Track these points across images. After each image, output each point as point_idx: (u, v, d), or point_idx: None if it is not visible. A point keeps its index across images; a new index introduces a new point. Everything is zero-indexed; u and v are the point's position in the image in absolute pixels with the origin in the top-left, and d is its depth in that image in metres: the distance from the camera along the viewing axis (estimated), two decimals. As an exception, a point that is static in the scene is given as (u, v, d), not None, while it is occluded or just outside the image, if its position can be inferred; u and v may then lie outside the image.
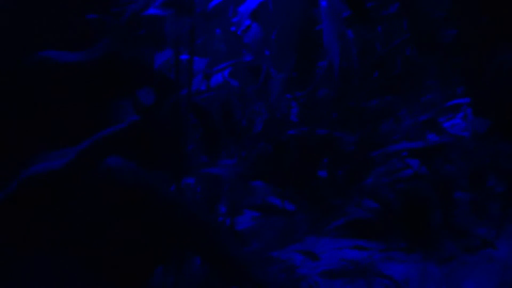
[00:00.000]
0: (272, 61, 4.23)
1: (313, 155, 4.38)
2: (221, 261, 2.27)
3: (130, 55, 2.44)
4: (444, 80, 4.83)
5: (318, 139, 4.50)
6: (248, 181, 3.45)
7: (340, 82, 4.64)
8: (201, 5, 3.22)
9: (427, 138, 4.60)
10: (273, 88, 4.33)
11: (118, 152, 1.97)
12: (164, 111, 2.66)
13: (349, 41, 4.57)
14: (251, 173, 3.63)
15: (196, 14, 2.09)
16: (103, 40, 2.41)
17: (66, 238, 2.20)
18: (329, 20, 4.60)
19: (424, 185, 4.22)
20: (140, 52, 2.43)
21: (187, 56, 2.92)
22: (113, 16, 2.32)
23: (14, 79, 2.44)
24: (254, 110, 4.02)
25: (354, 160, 4.48)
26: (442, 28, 5.34)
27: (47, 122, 2.56)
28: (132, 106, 3.84)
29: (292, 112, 4.67)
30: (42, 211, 1.95)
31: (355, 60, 4.46)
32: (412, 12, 5.28)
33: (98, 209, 2.08)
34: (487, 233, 3.73)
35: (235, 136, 3.42)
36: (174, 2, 2.09)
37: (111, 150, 1.90)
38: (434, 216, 4.05)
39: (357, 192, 4.20)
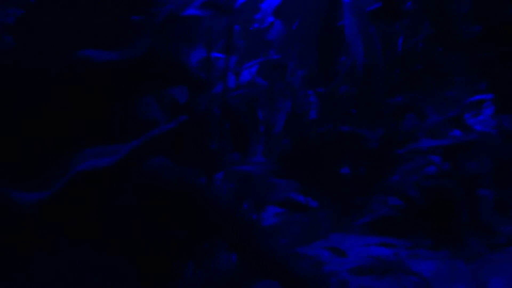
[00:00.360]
0: (294, 57, 4.30)
1: (336, 152, 4.45)
2: (257, 256, 2.35)
3: (166, 54, 2.52)
4: (468, 76, 4.86)
5: (340, 135, 4.57)
6: (275, 178, 3.54)
7: (363, 78, 4.69)
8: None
9: (451, 134, 4.64)
10: (295, 85, 4.40)
11: (162, 151, 2.06)
12: (198, 109, 2.74)
13: (372, 37, 4.62)
14: (280, 170, 3.71)
15: (233, 14, 2.17)
16: (141, 40, 2.49)
17: (107, 234, 2.30)
18: (352, 15, 4.65)
19: (449, 182, 4.28)
20: (176, 51, 2.51)
21: (217, 55, 2.99)
22: (151, 16, 2.40)
23: (55, 78, 2.53)
24: (277, 107, 4.10)
25: (378, 157, 4.54)
26: (466, 23, 5.36)
27: (86, 120, 2.66)
28: (157, 104, 3.93)
29: (313, 108, 4.72)
30: (89, 208, 2.04)
31: (379, 56, 4.52)
32: (436, 8, 5.31)
33: (138, 206, 2.17)
34: (513, 230, 3.79)
35: (261, 133, 3.50)
36: (213, 2, 2.16)
37: (160, 149, 1.99)
38: (460, 213, 4.11)
39: (382, 189, 4.27)
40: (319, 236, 4.10)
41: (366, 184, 4.29)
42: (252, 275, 3.50)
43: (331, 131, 4.64)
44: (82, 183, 1.91)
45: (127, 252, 2.38)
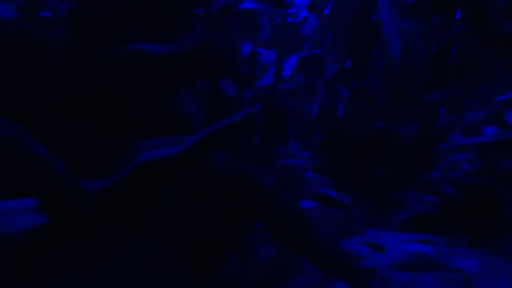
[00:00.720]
0: (327, 51, 4.34)
1: (370, 148, 4.49)
2: (306, 246, 2.42)
3: (217, 48, 2.59)
4: (507, 73, 4.85)
5: (375, 132, 4.60)
6: (309, 172, 3.60)
7: (399, 74, 4.72)
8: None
9: (488, 132, 4.65)
10: (330, 80, 4.44)
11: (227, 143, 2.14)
12: (243, 103, 2.81)
13: (410, 31, 4.64)
14: (314, 165, 3.77)
15: (287, 7, 2.22)
16: (193, 33, 2.57)
17: (162, 223, 2.39)
18: (389, 9, 4.66)
19: (486, 180, 4.29)
20: (227, 45, 2.58)
21: (260, 49, 3.06)
22: (204, 9, 2.47)
23: (108, 71, 2.63)
24: (314, 102, 4.15)
25: (412, 154, 4.57)
26: (501, 18, 5.34)
27: (137, 112, 2.75)
28: (192, 97, 4.01)
29: (346, 104, 4.77)
30: (148, 198, 2.13)
31: (417, 51, 4.53)
32: (471, 2, 5.29)
33: (195, 197, 2.25)
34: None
35: (301, 128, 3.56)
36: (269, -4, 2.22)
37: (225, 141, 2.06)
38: (497, 211, 4.13)
39: (417, 187, 4.30)
40: (355, 232, 4.15)
41: (401, 181, 4.33)
42: (290, 269, 3.57)
43: (365, 127, 4.68)
44: (144, 173, 2.00)
45: (179, 242, 2.47)
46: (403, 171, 4.58)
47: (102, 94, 2.63)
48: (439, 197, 4.28)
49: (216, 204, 2.38)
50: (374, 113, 5.00)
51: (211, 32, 2.46)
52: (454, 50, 5.20)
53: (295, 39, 4.82)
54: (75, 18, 2.77)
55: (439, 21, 5.34)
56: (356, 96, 4.93)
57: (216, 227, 2.56)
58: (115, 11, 2.65)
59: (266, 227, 2.44)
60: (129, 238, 2.33)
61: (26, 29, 2.71)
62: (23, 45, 2.68)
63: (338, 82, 4.60)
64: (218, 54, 2.51)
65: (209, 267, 2.79)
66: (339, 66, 4.69)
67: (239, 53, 2.57)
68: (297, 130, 3.62)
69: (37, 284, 2.18)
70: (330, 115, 4.41)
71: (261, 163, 2.65)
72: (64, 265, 2.23)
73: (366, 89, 4.96)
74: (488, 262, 3.50)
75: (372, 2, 5.15)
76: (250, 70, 2.77)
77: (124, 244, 2.31)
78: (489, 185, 4.20)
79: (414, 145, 4.61)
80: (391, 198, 4.20)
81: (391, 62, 4.96)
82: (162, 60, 2.54)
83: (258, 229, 3.49)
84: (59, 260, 2.16)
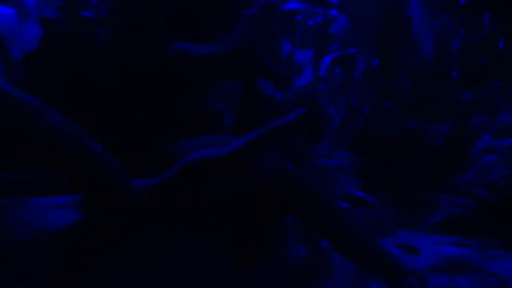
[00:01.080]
0: (361, 50, 4.36)
1: (400, 149, 4.50)
2: (356, 247, 2.46)
3: (258, 48, 2.64)
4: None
5: (405, 132, 4.61)
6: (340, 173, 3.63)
7: (431, 73, 4.72)
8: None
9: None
10: (359, 78, 4.46)
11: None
12: (283, 103, 2.85)
13: (441, 30, 4.64)
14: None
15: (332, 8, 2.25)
16: (234, 33, 2.61)
17: (207, 220, 2.45)
18: (422, 8, 4.67)
19: (521, 182, 4.27)
20: (268, 45, 2.62)
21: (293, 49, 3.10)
22: (246, 10, 2.51)
23: (152, 70, 2.69)
24: (344, 101, 4.18)
25: (444, 155, 4.57)
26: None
27: (182, 110, 2.81)
28: (221, 96, 4.06)
29: (375, 103, 4.77)
30: (198, 196, 2.19)
31: (449, 50, 4.53)
32: (502, 2, 5.26)
33: (241, 196, 2.30)
34: None
35: (333, 127, 3.59)
36: (315, -4, 2.25)
37: (277, 142, 2.11)
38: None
39: (450, 188, 4.31)
40: (386, 233, 4.17)
41: (433, 183, 4.34)
42: (322, 270, 3.61)
43: (395, 127, 4.69)
44: (193, 171, 2.05)
45: (221, 241, 2.52)
46: (434, 172, 4.58)
47: (144, 93, 2.69)
48: (473, 199, 4.28)
49: (259, 203, 2.43)
50: (402, 113, 5.01)
51: (253, 33, 2.50)
52: (487, 49, 5.17)
53: (324, 38, 4.84)
54: (116, 18, 2.84)
55: (471, 20, 5.31)
56: (384, 95, 4.94)
57: (256, 226, 2.61)
58: (157, 11, 2.71)
59: (310, 226, 2.48)
60: (174, 235, 2.40)
61: (69, 28, 2.79)
62: (67, 44, 2.76)
63: (368, 81, 4.61)
64: (259, 55, 2.56)
65: (247, 265, 2.85)
66: (368, 65, 4.69)
67: (280, 54, 2.61)
68: (330, 130, 3.65)
69: (86, 279, 2.25)
70: (359, 115, 4.43)
71: (300, 162, 2.68)
72: (111, 261, 2.30)
73: (395, 88, 4.97)
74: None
75: (403, 0, 5.15)
76: (287, 71, 2.81)
77: (169, 241, 2.38)
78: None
79: (446, 146, 4.61)
80: (422, 200, 4.21)
81: (422, 61, 4.96)
82: (203, 60, 2.60)
83: (290, 229, 3.53)
84: (107, 256, 2.23)
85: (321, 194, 2.40)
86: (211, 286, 2.52)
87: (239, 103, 3.92)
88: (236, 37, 2.54)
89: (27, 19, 4.09)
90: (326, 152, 2.84)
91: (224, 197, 2.28)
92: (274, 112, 3.37)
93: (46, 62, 2.77)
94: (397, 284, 2.75)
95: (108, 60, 2.79)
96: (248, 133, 2.11)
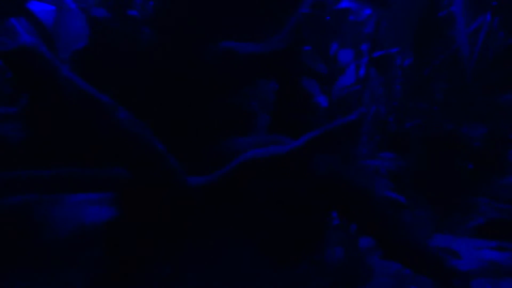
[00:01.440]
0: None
1: (437, 150, 4.50)
2: (405, 246, 2.49)
3: (306, 48, 2.69)
4: None
5: (442, 133, 4.62)
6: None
7: (467, 72, 4.71)
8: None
9: None
10: (396, 79, 4.48)
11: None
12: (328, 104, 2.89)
13: (480, 30, 4.62)
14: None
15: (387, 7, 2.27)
16: (283, 32, 2.66)
17: (256, 219, 2.50)
18: (461, 7, 4.66)
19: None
20: (317, 46, 2.67)
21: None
22: (294, 9, 2.56)
23: (200, 68, 2.75)
24: (381, 101, 4.20)
25: (482, 157, 4.57)
26: None
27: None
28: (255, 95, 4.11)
29: (412, 104, 4.79)
30: (252, 194, 2.24)
31: (487, 50, 4.52)
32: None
33: (293, 195, 2.35)
34: None
35: (372, 127, 3.62)
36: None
37: (337, 143, 2.15)
38: None
39: (490, 191, 4.30)
40: (423, 236, 4.18)
41: (471, 185, 4.33)
42: (361, 272, 3.64)
43: (431, 127, 4.70)
44: (249, 170, 2.10)
45: (267, 239, 2.58)
46: (473, 174, 4.57)
47: (192, 92, 2.75)
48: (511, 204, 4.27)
49: (309, 203, 2.48)
50: (438, 113, 5.00)
51: (303, 32, 2.55)
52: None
53: (358, 37, 4.86)
54: (164, 17, 2.90)
55: (509, 20, 5.28)
56: (419, 95, 4.94)
57: (303, 227, 2.65)
58: (203, 10, 2.76)
59: (361, 226, 2.53)
60: (223, 233, 2.46)
61: (117, 27, 2.86)
62: (116, 43, 2.83)
63: (404, 81, 4.62)
64: (306, 55, 2.60)
65: (289, 265, 2.90)
66: (403, 63, 4.71)
67: (329, 53, 2.66)
68: (370, 130, 3.68)
69: (137, 277, 2.32)
70: (396, 115, 4.44)
71: (348, 162, 2.72)
72: (164, 259, 2.36)
73: (430, 88, 4.97)
74: None
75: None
76: (332, 70, 2.85)
77: (219, 238, 2.43)
78: None
79: (484, 148, 4.60)
80: (461, 203, 4.21)
81: (458, 60, 4.95)
82: (251, 59, 2.65)
83: (329, 230, 3.57)
84: (161, 252, 2.29)
85: (373, 194, 2.44)
86: (253, 284, 2.57)
87: (276, 102, 3.97)
88: (286, 36, 2.58)
89: (68, 15, 4.20)
90: (370, 152, 2.87)
91: (273, 196, 2.33)
92: (313, 112, 3.41)
93: (95, 60, 2.85)
94: (443, 285, 2.77)
95: (154, 59, 2.86)
96: (308, 133, 2.16)
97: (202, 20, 2.83)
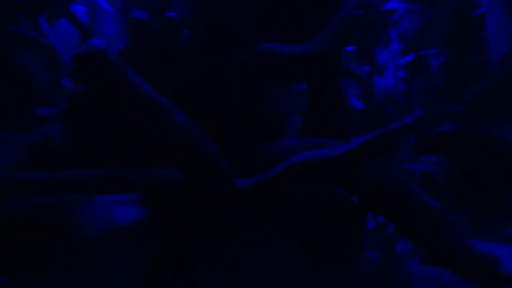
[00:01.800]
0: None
1: (474, 152, 4.46)
2: (452, 250, 2.48)
3: (349, 48, 2.69)
4: None
5: (480, 136, 4.57)
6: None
7: (500, 76, 4.66)
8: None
9: None
10: (433, 81, 4.45)
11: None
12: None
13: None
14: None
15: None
16: (325, 33, 2.67)
17: (296, 223, 2.51)
18: (495, 8, 4.61)
19: None
20: (361, 47, 2.67)
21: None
22: (336, 11, 2.57)
23: (241, 69, 2.77)
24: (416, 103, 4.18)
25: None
26: None
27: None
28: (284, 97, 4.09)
29: (446, 106, 4.74)
30: (298, 196, 2.25)
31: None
32: None
33: (336, 199, 2.36)
34: None
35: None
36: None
37: (391, 146, 2.15)
38: None
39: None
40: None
41: (509, 190, 4.29)
42: (398, 278, 3.63)
43: (466, 129, 4.66)
44: (298, 172, 2.11)
45: (305, 243, 2.58)
46: (508, 178, 4.53)
47: (233, 93, 2.77)
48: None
49: (353, 206, 2.48)
50: (472, 115, 4.96)
51: (346, 33, 2.55)
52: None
53: (392, 37, 4.85)
54: (204, 18, 2.92)
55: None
56: (453, 97, 4.90)
57: (341, 231, 2.66)
58: (245, 12, 2.78)
59: (406, 229, 2.52)
60: (265, 233, 2.47)
61: (158, 28, 2.89)
62: (156, 44, 2.86)
63: (439, 83, 4.59)
64: (349, 56, 2.60)
65: (328, 267, 2.90)
66: (439, 65, 4.67)
67: (373, 54, 2.65)
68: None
69: (185, 274, 2.34)
70: (432, 117, 4.42)
71: (389, 166, 2.71)
72: (210, 259, 2.38)
73: (464, 90, 4.93)
74: None
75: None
76: (371, 72, 2.85)
77: (260, 239, 2.45)
78: None
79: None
80: (499, 208, 4.17)
81: (490, 62, 4.90)
82: (293, 60, 2.66)
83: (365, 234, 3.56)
84: (210, 252, 2.31)
85: (420, 198, 2.43)
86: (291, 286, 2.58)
87: (309, 104, 3.97)
88: (329, 37, 2.59)
89: (101, 16, 4.25)
90: (411, 156, 2.86)
91: (317, 199, 2.33)
92: (348, 114, 3.41)
93: (135, 61, 2.89)
94: None
95: (195, 61, 2.88)
96: (362, 136, 2.16)
97: (244, 22, 2.85)
